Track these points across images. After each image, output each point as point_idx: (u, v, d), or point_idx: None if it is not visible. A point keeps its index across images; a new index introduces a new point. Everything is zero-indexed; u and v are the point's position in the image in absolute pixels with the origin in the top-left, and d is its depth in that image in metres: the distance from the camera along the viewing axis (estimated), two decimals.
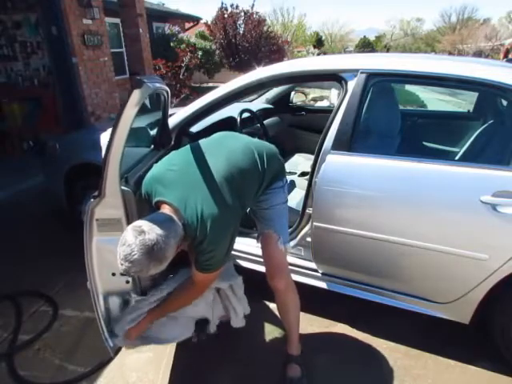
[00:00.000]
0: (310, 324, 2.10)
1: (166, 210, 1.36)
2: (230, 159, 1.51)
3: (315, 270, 2.07)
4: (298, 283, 2.11)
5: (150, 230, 1.21)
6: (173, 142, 2.24)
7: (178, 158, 1.55)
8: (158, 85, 1.69)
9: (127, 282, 1.61)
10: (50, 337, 2.00)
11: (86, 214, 1.50)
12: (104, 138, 2.54)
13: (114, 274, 1.58)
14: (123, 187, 1.51)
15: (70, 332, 2.03)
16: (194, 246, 1.40)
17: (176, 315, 1.67)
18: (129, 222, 1.52)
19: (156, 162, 1.92)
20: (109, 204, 1.49)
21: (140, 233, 1.20)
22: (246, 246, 2.17)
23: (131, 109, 1.41)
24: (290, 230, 2.09)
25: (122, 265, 1.21)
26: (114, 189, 1.47)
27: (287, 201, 1.76)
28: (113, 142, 1.42)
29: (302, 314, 2.08)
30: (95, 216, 1.50)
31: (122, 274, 1.54)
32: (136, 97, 1.40)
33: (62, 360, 1.86)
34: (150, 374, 1.78)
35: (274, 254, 1.66)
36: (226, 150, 1.56)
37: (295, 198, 2.42)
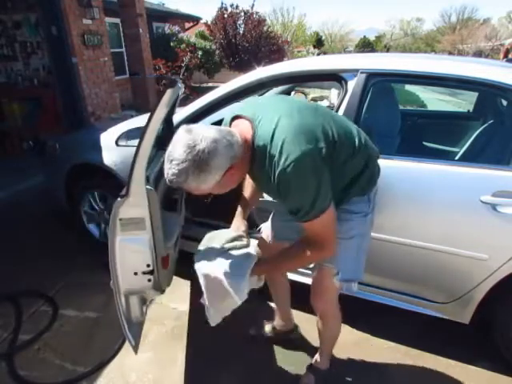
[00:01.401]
0: (311, 324, 2.09)
1: (233, 128, 1.23)
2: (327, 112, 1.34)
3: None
4: (298, 283, 2.11)
5: (198, 130, 1.11)
6: None
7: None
8: (180, 85, 1.71)
9: (149, 280, 1.61)
10: (49, 337, 2.00)
11: (111, 213, 1.49)
12: (105, 137, 2.54)
13: (135, 274, 1.58)
14: (147, 186, 1.51)
15: (70, 332, 2.03)
16: (265, 180, 1.22)
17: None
18: (152, 222, 1.53)
19: (163, 161, 1.91)
20: (133, 203, 1.48)
21: (188, 131, 1.11)
22: None
23: (163, 108, 1.42)
24: None
25: (165, 165, 1.12)
26: (140, 188, 1.47)
27: (366, 232, 1.48)
28: (143, 142, 1.41)
29: (302, 314, 2.09)
30: (119, 215, 1.49)
31: (143, 273, 1.53)
32: (168, 96, 1.41)
33: (62, 360, 1.85)
34: (150, 374, 1.78)
35: (323, 282, 1.48)
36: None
37: None
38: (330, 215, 1.19)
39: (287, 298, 1.90)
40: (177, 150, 1.08)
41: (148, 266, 1.58)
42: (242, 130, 1.21)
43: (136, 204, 1.48)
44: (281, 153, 1.12)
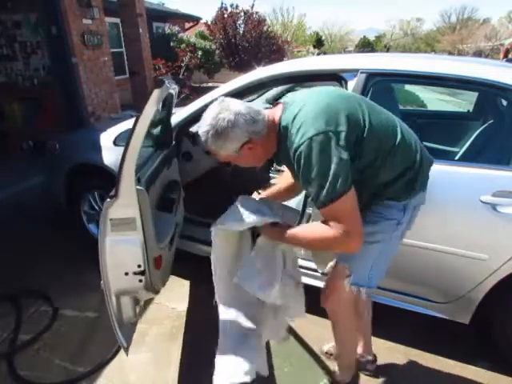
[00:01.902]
0: (312, 324, 2.09)
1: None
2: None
3: (315, 270, 2.07)
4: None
5: (227, 102, 1.25)
6: (173, 142, 2.25)
7: None
8: (173, 85, 1.71)
9: (140, 281, 1.61)
10: (49, 337, 2.00)
11: (101, 213, 1.50)
12: (104, 137, 2.54)
13: (126, 274, 1.58)
14: (137, 186, 1.51)
15: (70, 332, 2.03)
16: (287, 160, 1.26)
17: None
18: (143, 222, 1.53)
19: (162, 161, 1.93)
20: (123, 204, 1.48)
21: (220, 102, 1.26)
22: None
23: (151, 108, 1.42)
24: None
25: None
26: (129, 188, 1.47)
27: (393, 241, 1.39)
28: (131, 142, 1.41)
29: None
30: (109, 216, 1.49)
31: (134, 274, 1.53)
32: (156, 96, 1.41)
33: (61, 360, 1.85)
34: (149, 374, 1.78)
35: (334, 281, 1.47)
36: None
37: (295, 198, 2.41)
38: (350, 199, 1.15)
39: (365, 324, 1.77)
40: (206, 115, 1.25)
41: (139, 266, 1.58)
42: (272, 112, 1.31)
43: (126, 204, 1.48)
44: (298, 131, 1.18)
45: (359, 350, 1.78)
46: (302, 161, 1.15)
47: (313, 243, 1.31)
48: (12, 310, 2.17)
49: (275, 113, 1.30)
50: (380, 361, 1.86)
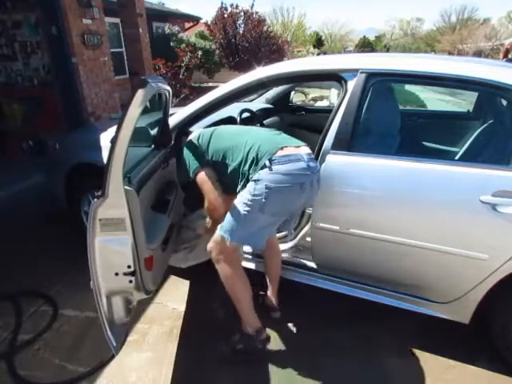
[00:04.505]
0: (310, 323, 2.10)
1: None
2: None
3: (315, 270, 2.08)
4: (297, 283, 2.12)
5: None
6: (172, 142, 2.24)
7: None
8: (160, 84, 1.69)
9: (130, 281, 1.61)
10: (49, 337, 2.00)
11: (89, 214, 1.50)
12: (104, 137, 2.54)
13: (116, 274, 1.58)
14: (126, 187, 1.51)
15: (70, 332, 2.03)
16: None
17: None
18: (132, 223, 1.53)
19: (157, 161, 1.97)
20: (112, 204, 1.48)
21: None
22: None
23: (135, 109, 1.41)
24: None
25: None
26: (117, 188, 1.47)
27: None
28: (117, 142, 1.41)
29: (302, 314, 2.09)
30: (98, 216, 1.49)
31: (124, 274, 1.55)
32: (140, 97, 1.40)
33: (61, 360, 1.85)
34: (150, 374, 1.78)
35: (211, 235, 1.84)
36: None
37: None
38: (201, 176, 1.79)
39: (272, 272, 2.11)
40: None
41: (129, 267, 1.58)
42: None
43: (114, 205, 1.48)
44: None
45: (268, 293, 2.11)
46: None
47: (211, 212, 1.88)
48: (12, 310, 2.17)
49: None
50: (380, 360, 1.86)
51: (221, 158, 1.78)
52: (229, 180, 1.80)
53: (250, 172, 1.67)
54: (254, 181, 1.62)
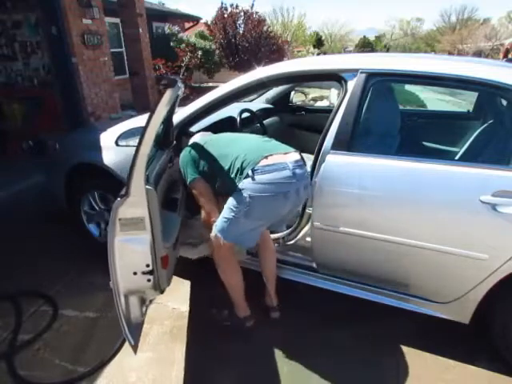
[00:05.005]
0: (310, 323, 2.10)
1: None
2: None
3: (315, 270, 2.08)
4: (297, 283, 2.12)
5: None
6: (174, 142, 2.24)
7: None
8: (181, 84, 1.72)
9: (148, 280, 1.61)
10: (49, 337, 2.00)
11: (111, 213, 1.50)
12: (104, 137, 2.54)
13: (135, 273, 1.58)
14: (147, 186, 1.51)
15: (70, 332, 2.03)
16: None
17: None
18: (152, 222, 1.53)
19: (165, 161, 2.05)
20: (133, 203, 1.48)
21: None
22: None
23: (163, 107, 1.42)
24: (289, 229, 2.10)
25: None
26: (139, 188, 1.47)
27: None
28: (143, 141, 1.41)
29: (302, 315, 2.09)
30: (118, 215, 1.49)
31: (143, 273, 1.58)
32: (168, 96, 1.41)
33: (61, 360, 1.85)
34: (149, 374, 1.78)
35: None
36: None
37: None
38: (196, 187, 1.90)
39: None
40: None
41: (147, 266, 1.58)
42: None
43: (136, 204, 1.48)
44: None
45: (266, 292, 2.11)
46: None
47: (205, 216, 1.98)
48: (12, 310, 2.17)
49: None
50: (380, 360, 1.86)
51: (211, 168, 1.86)
52: (220, 188, 1.90)
53: (236, 181, 1.73)
54: (239, 190, 1.69)
